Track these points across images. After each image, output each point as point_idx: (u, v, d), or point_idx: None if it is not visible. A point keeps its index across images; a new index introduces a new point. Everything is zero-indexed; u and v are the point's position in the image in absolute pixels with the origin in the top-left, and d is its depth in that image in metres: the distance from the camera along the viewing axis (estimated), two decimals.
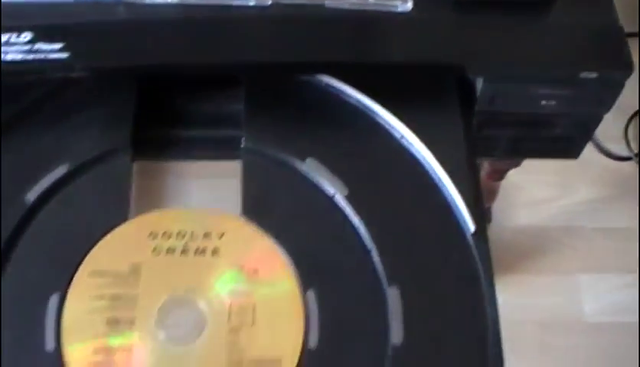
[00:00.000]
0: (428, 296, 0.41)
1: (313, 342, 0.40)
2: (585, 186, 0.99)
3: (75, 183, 0.45)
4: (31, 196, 0.45)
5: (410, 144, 0.45)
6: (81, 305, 0.42)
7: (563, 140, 0.49)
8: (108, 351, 0.40)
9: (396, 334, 0.40)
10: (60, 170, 0.45)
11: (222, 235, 0.44)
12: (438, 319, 0.40)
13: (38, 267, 0.43)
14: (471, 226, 0.42)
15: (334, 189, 0.44)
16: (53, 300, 0.42)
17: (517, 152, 0.52)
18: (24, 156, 0.46)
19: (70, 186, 0.45)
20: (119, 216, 0.44)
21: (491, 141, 0.49)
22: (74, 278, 0.42)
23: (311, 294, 0.41)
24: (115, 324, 0.41)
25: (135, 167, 0.46)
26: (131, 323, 0.41)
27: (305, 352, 0.40)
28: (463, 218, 0.42)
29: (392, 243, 0.42)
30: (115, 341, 0.41)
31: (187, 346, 0.40)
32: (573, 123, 0.48)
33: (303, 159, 0.45)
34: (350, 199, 0.44)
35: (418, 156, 0.45)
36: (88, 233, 0.44)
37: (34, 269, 0.43)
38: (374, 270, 0.42)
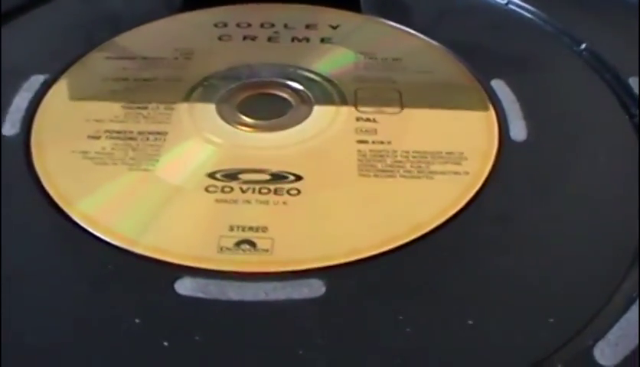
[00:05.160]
0: None
1: (517, 133, 0.21)
2: None
3: None
4: None
5: None
6: (80, 85, 0.24)
7: None
8: (120, 140, 0.21)
9: None
10: None
11: (336, 26, 0.27)
12: None
13: (25, 50, 0.25)
14: None
15: None
16: (34, 81, 0.24)
17: None
18: None
19: None
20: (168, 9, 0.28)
21: None
22: (78, 61, 0.25)
23: (498, 82, 0.23)
24: (133, 108, 0.22)
25: None
26: (168, 106, 0.23)
27: (505, 148, 0.21)
28: None
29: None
30: (135, 126, 0.22)
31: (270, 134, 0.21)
32: None
33: None
34: None
35: None
36: (115, 20, 0.27)
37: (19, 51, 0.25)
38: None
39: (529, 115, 0.22)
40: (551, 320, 0.16)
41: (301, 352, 0.15)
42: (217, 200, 0.19)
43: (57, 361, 0.15)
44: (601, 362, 0.15)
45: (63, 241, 0.18)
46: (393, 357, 0.15)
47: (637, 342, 0.15)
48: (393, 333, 0.16)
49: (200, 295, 0.16)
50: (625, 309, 0.16)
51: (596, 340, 0.15)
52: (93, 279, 0.17)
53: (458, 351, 0.15)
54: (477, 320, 0.16)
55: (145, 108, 0.22)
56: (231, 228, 0.18)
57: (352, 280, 0.17)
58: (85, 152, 0.20)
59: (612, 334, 0.15)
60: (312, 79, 0.23)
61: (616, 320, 0.16)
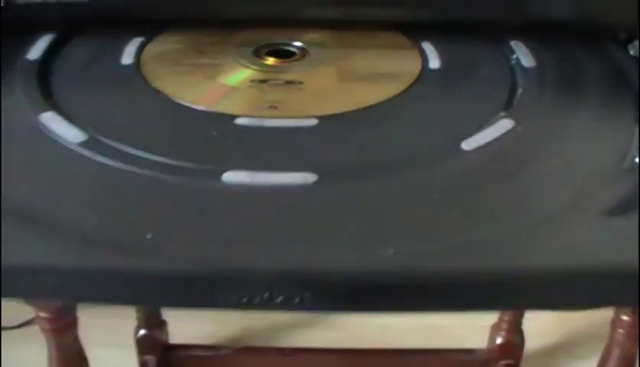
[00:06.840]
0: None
1: (434, 64, 0.35)
2: None
3: None
4: None
5: None
6: (165, 43, 0.38)
7: None
8: (195, 67, 0.35)
9: (526, 59, 0.35)
10: None
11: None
12: None
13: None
14: None
15: None
16: (136, 40, 0.38)
17: None
18: None
19: None
20: None
21: None
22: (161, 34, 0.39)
23: (427, 44, 0.37)
24: (200, 52, 0.37)
25: None
26: (222, 52, 0.37)
27: (426, 71, 0.35)
28: None
29: None
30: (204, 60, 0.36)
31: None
32: None
33: None
34: None
35: None
36: None
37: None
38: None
39: (442, 56, 0.36)
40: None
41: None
42: (256, 91, 0.33)
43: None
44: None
45: (170, 111, 0.32)
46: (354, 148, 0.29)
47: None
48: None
49: (249, 124, 0.30)
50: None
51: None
52: (186, 126, 0.31)
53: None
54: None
55: (206, 53, 0.36)
56: (264, 101, 0.32)
57: (335, 119, 0.31)
58: (175, 71, 0.35)
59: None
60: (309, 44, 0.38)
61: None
